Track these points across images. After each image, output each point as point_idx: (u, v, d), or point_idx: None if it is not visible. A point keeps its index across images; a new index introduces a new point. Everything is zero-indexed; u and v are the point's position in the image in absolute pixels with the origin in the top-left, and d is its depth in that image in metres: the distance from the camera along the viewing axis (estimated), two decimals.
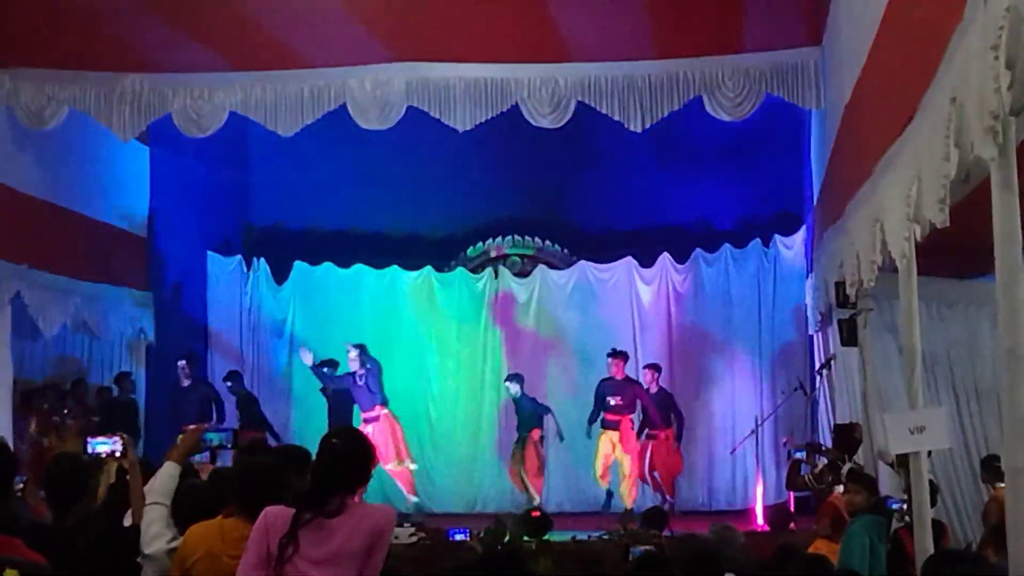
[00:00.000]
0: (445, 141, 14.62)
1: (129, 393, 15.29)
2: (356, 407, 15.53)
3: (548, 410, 15.83)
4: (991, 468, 9.58)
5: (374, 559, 4.77)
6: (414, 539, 11.56)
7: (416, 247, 17.74)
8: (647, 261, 17.06)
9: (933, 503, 7.45)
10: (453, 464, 16.93)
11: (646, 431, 15.58)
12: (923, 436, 6.32)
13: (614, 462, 15.51)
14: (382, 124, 13.45)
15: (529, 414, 15.73)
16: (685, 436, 16.23)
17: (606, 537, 11.66)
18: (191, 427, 6.42)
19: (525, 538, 10.09)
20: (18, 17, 12.25)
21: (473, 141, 14.31)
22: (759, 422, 15.28)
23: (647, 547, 8.86)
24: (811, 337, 15.39)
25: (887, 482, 9.69)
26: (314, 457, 4.99)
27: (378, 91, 13.31)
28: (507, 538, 10.22)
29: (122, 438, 6.67)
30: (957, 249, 7.00)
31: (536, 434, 15.67)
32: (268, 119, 13.46)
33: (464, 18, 12.43)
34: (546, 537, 10.38)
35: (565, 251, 17.52)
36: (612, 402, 15.42)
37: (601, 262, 17.18)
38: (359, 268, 17.54)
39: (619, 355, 15.58)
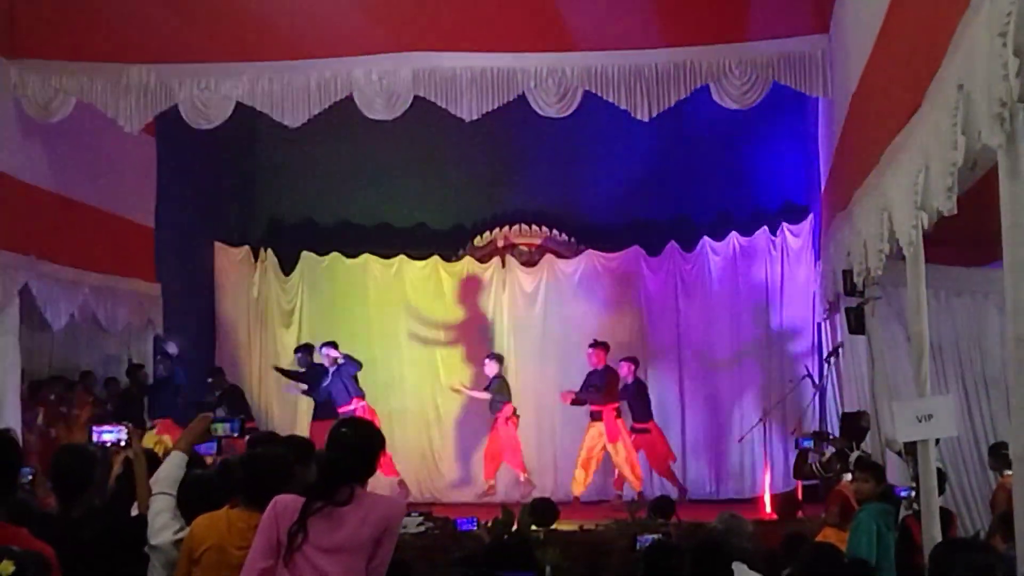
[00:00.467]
0: (452, 131, 14.62)
1: (142, 385, 15.34)
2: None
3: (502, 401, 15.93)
4: (999, 456, 9.57)
5: (383, 549, 4.80)
6: (422, 528, 11.60)
7: (423, 237, 17.75)
8: (654, 250, 17.04)
9: (941, 491, 7.46)
10: (461, 453, 16.92)
11: (632, 426, 15.54)
12: (931, 424, 6.33)
13: (605, 454, 15.48)
14: (389, 114, 13.43)
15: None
16: (693, 425, 16.27)
17: (614, 526, 11.69)
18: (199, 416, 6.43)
19: (533, 527, 10.09)
20: (25, 8, 12.26)
21: (480, 131, 14.30)
22: (767, 411, 15.29)
23: (655, 536, 8.87)
24: (819, 325, 15.39)
25: (895, 470, 9.69)
26: (325, 447, 5.01)
27: (384, 81, 13.28)
28: (515, 527, 10.23)
29: (128, 428, 6.68)
30: (965, 237, 7.00)
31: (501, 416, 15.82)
32: (275, 110, 13.43)
33: (470, 7, 12.43)
34: (554, 526, 10.40)
35: (572, 240, 17.49)
36: (592, 392, 15.38)
37: (608, 251, 17.16)
38: (366, 258, 17.54)
39: (600, 345, 15.55)
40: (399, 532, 4.99)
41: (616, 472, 15.47)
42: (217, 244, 17.73)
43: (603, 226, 17.43)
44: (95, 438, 6.70)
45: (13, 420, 12.19)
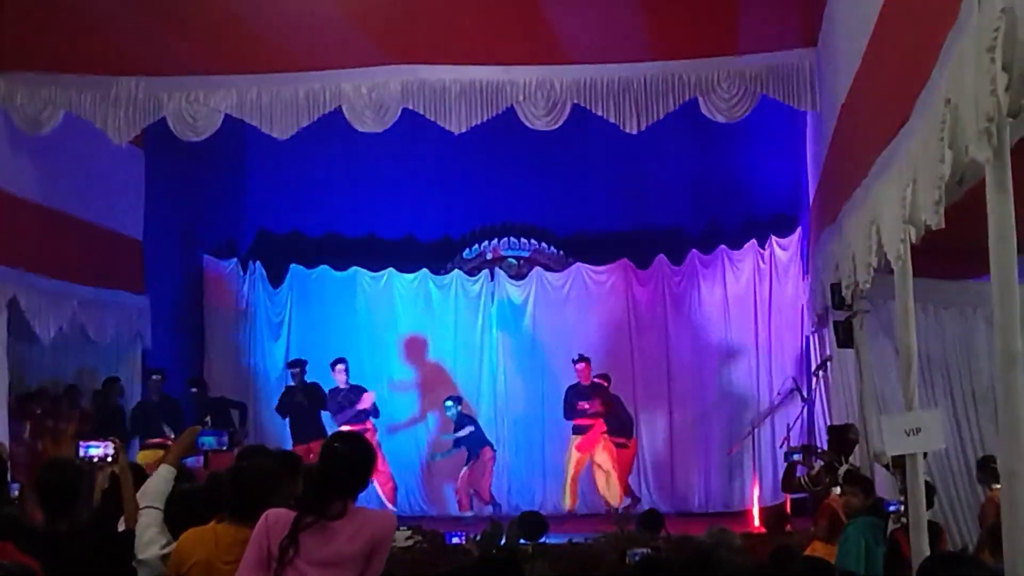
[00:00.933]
0: (441, 143, 14.62)
1: (117, 398, 15.18)
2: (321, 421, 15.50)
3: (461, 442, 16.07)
4: (987, 469, 9.57)
5: (374, 564, 4.82)
6: (411, 543, 11.56)
7: (412, 249, 17.75)
8: (643, 263, 17.08)
9: (929, 505, 7.46)
10: (449, 467, 16.89)
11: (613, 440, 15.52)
12: (919, 438, 6.33)
13: (588, 466, 15.44)
14: (378, 127, 13.42)
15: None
16: (682, 438, 16.31)
17: (603, 540, 11.66)
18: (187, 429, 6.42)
19: (522, 541, 10.07)
20: (13, 20, 12.23)
21: (469, 143, 14.30)
22: (755, 424, 15.29)
23: (645, 550, 8.85)
24: (807, 338, 15.40)
25: (883, 484, 9.69)
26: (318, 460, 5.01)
27: (373, 93, 13.28)
28: (503, 541, 10.22)
29: (114, 443, 6.67)
30: (953, 250, 6.99)
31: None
32: (264, 122, 13.41)
33: (459, 20, 12.42)
34: (543, 540, 10.37)
35: (561, 253, 17.51)
36: (582, 408, 15.38)
37: (597, 264, 17.19)
38: (355, 271, 17.54)
39: (585, 360, 15.57)
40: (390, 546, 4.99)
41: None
42: (206, 256, 17.69)
43: (592, 239, 17.46)
44: (82, 453, 6.68)
45: (1, 434, 12.15)
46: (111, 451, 6.63)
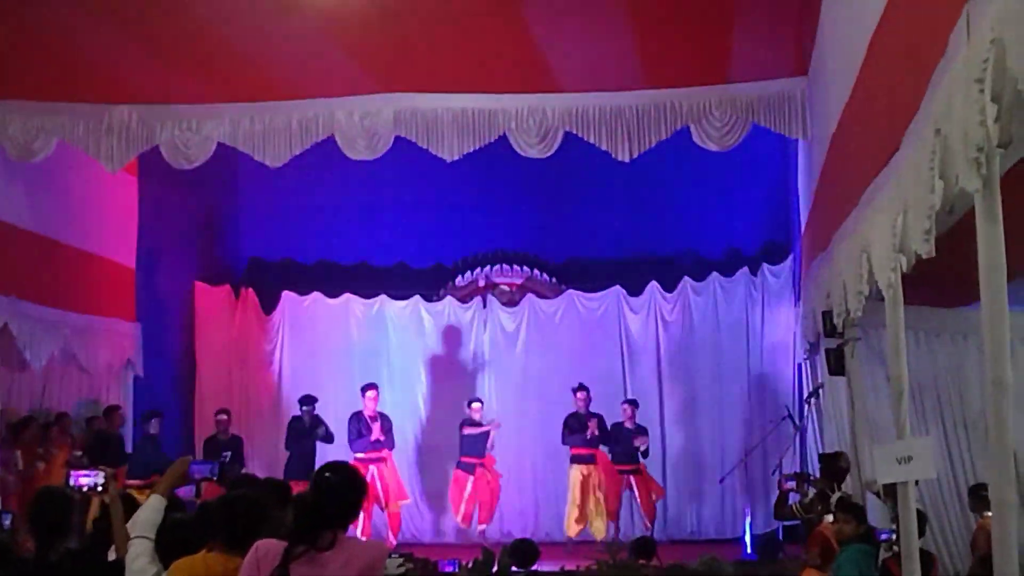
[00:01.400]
0: (433, 171, 14.65)
1: (117, 427, 15.11)
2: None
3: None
4: (978, 497, 9.58)
5: None
6: (402, 570, 11.52)
7: (404, 276, 17.78)
8: (635, 290, 17.10)
9: (921, 533, 7.44)
10: (440, 494, 16.84)
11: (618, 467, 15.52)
12: (910, 466, 6.31)
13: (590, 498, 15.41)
14: (370, 154, 13.46)
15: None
16: (673, 465, 16.29)
17: (595, 567, 11.63)
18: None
19: (513, 569, 10.05)
20: (5, 49, 12.25)
21: (461, 171, 14.33)
22: (747, 451, 15.28)
23: None
24: (799, 366, 15.39)
25: (875, 512, 9.68)
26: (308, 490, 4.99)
27: (366, 122, 13.32)
28: (495, 569, 10.19)
29: (104, 472, 6.65)
30: (943, 279, 7.03)
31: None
32: (256, 150, 13.45)
33: (452, 49, 12.45)
34: (534, 568, 10.35)
35: (553, 280, 17.54)
36: (582, 437, 15.36)
37: (589, 291, 17.21)
38: (347, 298, 17.53)
39: (583, 389, 15.58)
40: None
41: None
42: (197, 283, 17.65)
43: (584, 266, 17.50)
44: (72, 482, 6.66)
45: None
46: (101, 480, 6.61)
